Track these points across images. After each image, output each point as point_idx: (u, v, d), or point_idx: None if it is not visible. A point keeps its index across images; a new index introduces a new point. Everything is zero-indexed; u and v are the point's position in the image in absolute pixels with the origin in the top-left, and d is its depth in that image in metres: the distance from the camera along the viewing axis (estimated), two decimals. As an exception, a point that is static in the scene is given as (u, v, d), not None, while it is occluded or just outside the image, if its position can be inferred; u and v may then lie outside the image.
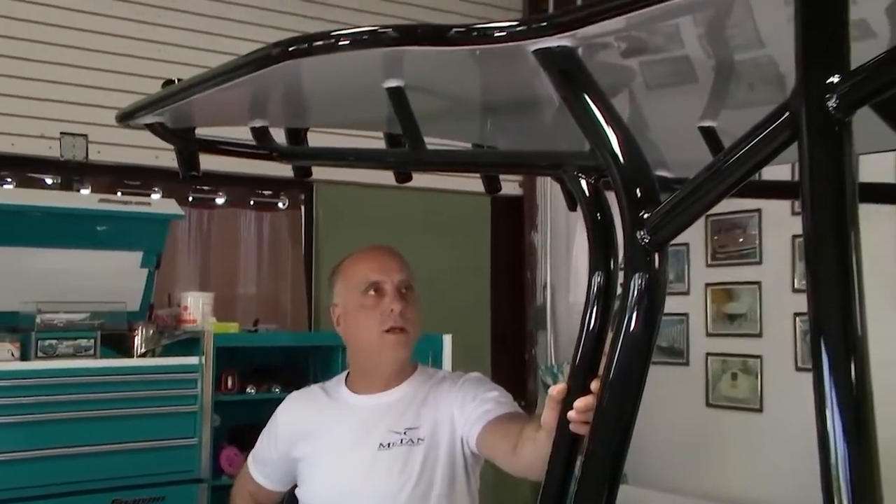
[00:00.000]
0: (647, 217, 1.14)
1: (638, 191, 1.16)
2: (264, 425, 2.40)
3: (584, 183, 1.37)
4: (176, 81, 1.69)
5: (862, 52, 0.93)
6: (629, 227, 1.16)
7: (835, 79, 0.90)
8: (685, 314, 4.84)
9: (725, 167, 1.05)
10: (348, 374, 2.31)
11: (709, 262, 4.78)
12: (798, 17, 0.92)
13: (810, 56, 0.92)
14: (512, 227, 5.70)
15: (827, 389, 0.89)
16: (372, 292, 2.14)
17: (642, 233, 1.14)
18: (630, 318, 1.15)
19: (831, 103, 0.90)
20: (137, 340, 3.75)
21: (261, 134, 1.87)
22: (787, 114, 0.96)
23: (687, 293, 4.84)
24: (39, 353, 3.47)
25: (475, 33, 1.23)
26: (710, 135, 1.74)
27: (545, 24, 1.17)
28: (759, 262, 4.53)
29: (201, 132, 1.94)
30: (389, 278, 2.14)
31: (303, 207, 5.00)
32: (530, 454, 1.78)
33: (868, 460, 0.88)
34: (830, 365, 0.90)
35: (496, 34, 1.20)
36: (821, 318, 0.92)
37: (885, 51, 0.89)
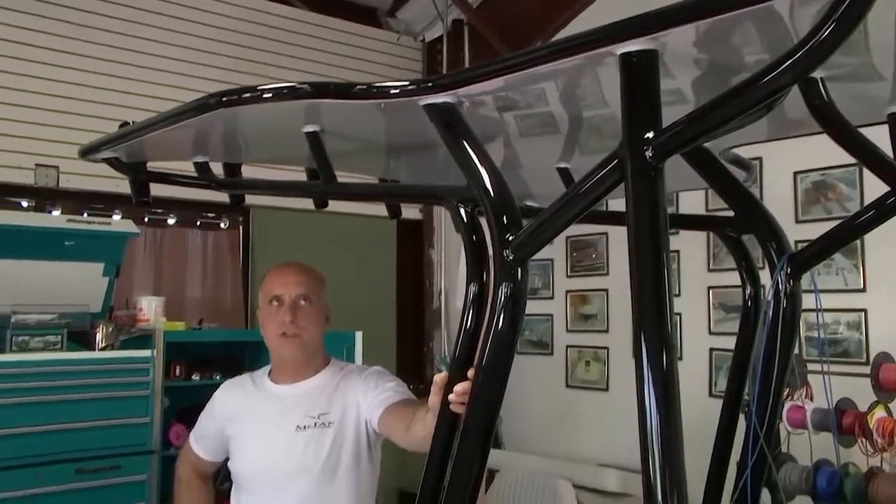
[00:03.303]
0: (512, 239, 1.16)
1: (504, 218, 1.17)
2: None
3: (462, 211, 1.38)
4: (130, 123, 1.64)
5: (677, 114, 0.97)
6: (497, 247, 1.17)
7: (650, 135, 0.93)
8: (550, 314, 4.91)
9: (569, 201, 1.08)
10: (271, 366, 2.27)
11: (568, 273, 4.86)
12: (623, 88, 0.96)
13: (632, 117, 0.95)
14: (413, 244, 5.71)
15: (645, 372, 0.92)
16: (274, 303, 2.11)
17: (507, 251, 1.16)
18: (498, 320, 1.17)
19: (648, 153, 0.93)
20: (99, 336, 3.63)
21: (202, 168, 1.83)
22: (616, 160, 0.99)
23: (552, 298, 4.91)
24: (14, 348, 3.34)
25: (375, 90, 1.23)
26: (565, 174, 1.77)
27: (430, 84, 1.18)
28: (607, 274, 4.63)
29: (152, 165, 1.89)
30: (287, 292, 2.11)
31: (241, 227, 4.92)
32: (420, 431, 1.77)
33: (674, 427, 0.91)
34: (648, 353, 0.93)
35: (391, 91, 1.20)
36: (641, 317, 0.95)
37: (685, 114, 0.93)
